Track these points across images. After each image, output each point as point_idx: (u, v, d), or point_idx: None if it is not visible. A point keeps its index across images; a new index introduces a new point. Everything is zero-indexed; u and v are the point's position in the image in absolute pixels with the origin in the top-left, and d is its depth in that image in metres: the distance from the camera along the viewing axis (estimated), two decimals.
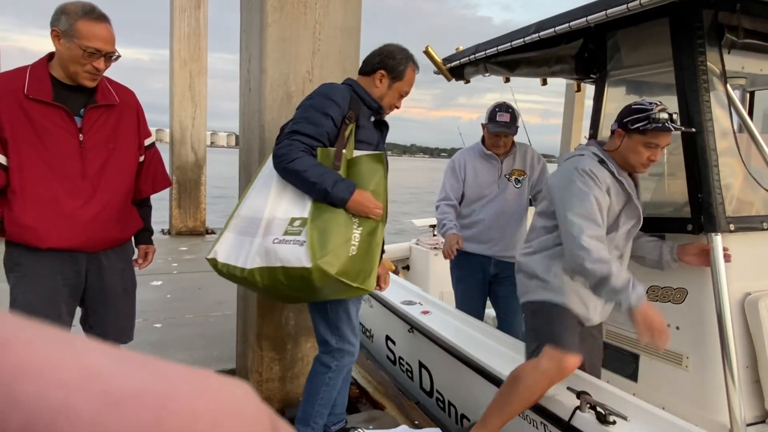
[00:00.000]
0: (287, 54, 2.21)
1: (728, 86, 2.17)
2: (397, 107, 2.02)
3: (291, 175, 1.78)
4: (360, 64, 2.40)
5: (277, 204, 1.84)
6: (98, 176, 1.84)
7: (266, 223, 1.81)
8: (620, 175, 1.97)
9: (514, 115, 2.85)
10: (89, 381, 0.17)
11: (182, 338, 3.56)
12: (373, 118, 2.01)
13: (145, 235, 2.14)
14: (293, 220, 1.78)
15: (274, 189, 1.86)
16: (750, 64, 2.33)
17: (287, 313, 2.43)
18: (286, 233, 1.76)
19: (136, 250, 2.13)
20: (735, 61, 2.25)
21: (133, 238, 2.10)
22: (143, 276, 2.17)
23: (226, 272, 1.86)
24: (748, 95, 2.88)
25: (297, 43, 2.22)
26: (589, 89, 3.57)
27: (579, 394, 1.78)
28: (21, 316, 0.19)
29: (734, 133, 2.20)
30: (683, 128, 1.97)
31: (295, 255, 1.69)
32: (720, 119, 2.14)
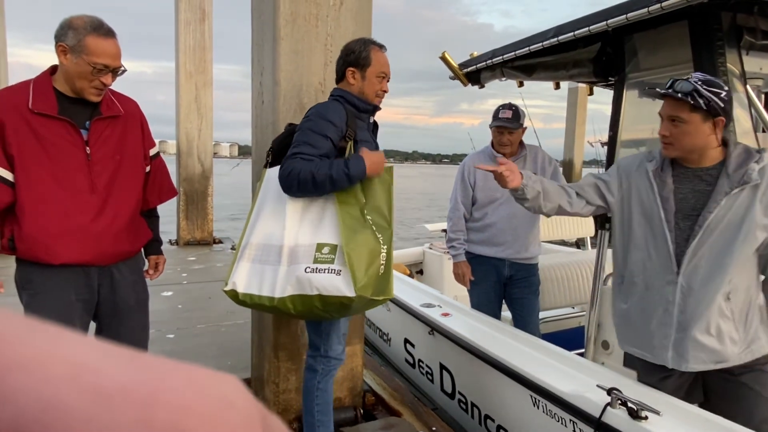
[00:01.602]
0: (300, 66, 2.24)
1: (748, 87, 2.19)
2: (385, 91, 2.00)
3: (306, 184, 1.76)
4: None
5: (297, 229, 1.82)
6: (107, 189, 1.83)
7: (289, 251, 1.79)
8: (657, 174, 1.84)
9: (517, 113, 2.90)
10: (79, 376, 0.17)
11: (195, 348, 3.57)
12: (372, 119, 2.02)
13: (154, 246, 2.13)
14: (320, 246, 1.78)
15: (290, 213, 1.83)
16: None
17: (302, 323, 2.44)
18: (316, 261, 1.75)
19: (146, 262, 2.12)
20: (753, 63, 2.28)
21: (142, 250, 2.09)
22: (154, 287, 2.18)
23: (250, 302, 1.83)
24: (763, 96, 2.90)
25: (309, 55, 2.24)
26: (596, 92, 3.59)
27: (609, 391, 1.78)
28: (10, 312, 0.19)
29: (755, 133, 2.22)
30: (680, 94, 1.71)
31: (333, 284, 1.71)
32: (741, 120, 2.16)
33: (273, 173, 1.92)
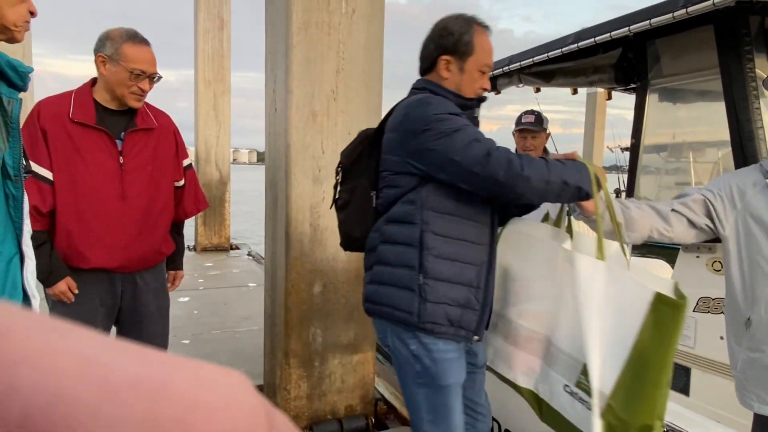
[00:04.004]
0: (312, 74, 2.24)
1: None
2: (486, 89, 1.58)
3: (533, 183, 1.35)
4: (381, 79, 2.43)
5: (566, 329, 1.43)
6: (137, 198, 1.89)
7: (556, 353, 1.46)
8: None
9: (540, 117, 2.89)
10: (87, 369, 0.17)
11: (210, 354, 3.59)
12: (476, 116, 1.62)
13: (177, 261, 2.18)
14: (587, 369, 1.35)
15: (562, 305, 1.44)
16: None
17: (314, 330, 2.44)
18: (579, 385, 1.38)
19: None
20: None
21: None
22: (171, 292, 2.21)
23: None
24: None
25: (321, 63, 2.25)
26: (617, 97, 3.54)
27: None
28: (17, 307, 0.19)
29: None
30: None
31: (588, 423, 1.34)
32: None
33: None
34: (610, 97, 3.80)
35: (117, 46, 1.79)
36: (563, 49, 2.64)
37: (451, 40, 1.51)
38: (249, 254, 7.39)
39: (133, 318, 1.99)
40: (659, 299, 1.25)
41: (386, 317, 1.53)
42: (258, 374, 2.86)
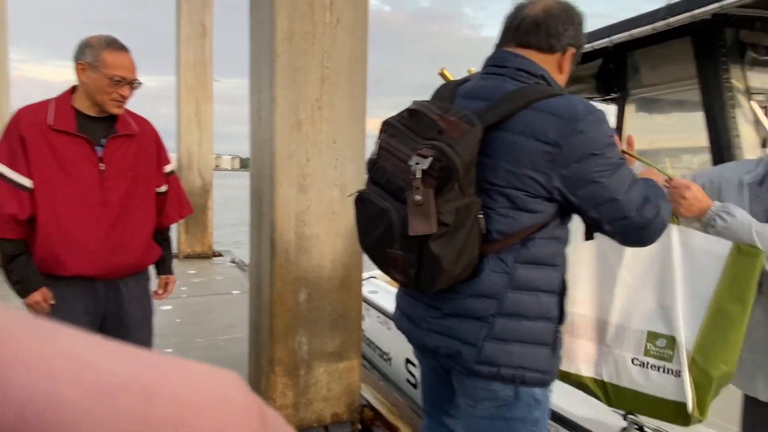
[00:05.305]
0: (296, 82, 2.26)
1: (752, 102, 2.23)
2: None
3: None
4: (366, 87, 2.46)
5: (620, 304, 1.47)
6: (118, 204, 1.89)
7: (615, 330, 1.47)
8: (753, 188, 1.53)
9: None
10: (78, 371, 0.17)
11: None
12: None
13: (166, 265, 2.17)
14: (653, 336, 1.42)
15: (609, 282, 1.48)
16: None
17: (300, 338, 2.44)
18: (647, 353, 1.42)
19: (154, 279, 2.15)
20: (756, 78, 2.32)
21: (151, 267, 2.12)
22: (153, 301, 2.20)
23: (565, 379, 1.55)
24: (763, 111, 2.95)
25: (306, 72, 2.27)
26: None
27: (625, 415, 1.76)
28: (8, 309, 0.19)
29: (762, 148, 2.25)
30: None
31: (671, 386, 1.38)
32: (746, 135, 2.18)
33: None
34: None
35: (96, 54, 1.79)
36: None
37: (581, 39, 1.26)
38: (232, 261, 7.33)
39: (117, 326, 1.98)
40: (738, 250, 1.35)
41: (509, 380, 1.21)
42: None
